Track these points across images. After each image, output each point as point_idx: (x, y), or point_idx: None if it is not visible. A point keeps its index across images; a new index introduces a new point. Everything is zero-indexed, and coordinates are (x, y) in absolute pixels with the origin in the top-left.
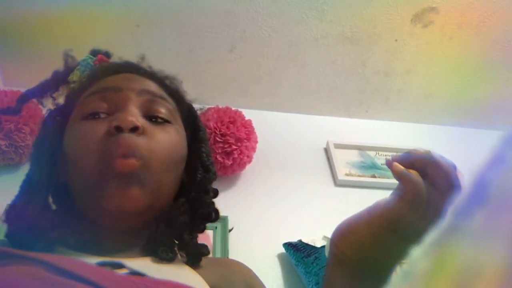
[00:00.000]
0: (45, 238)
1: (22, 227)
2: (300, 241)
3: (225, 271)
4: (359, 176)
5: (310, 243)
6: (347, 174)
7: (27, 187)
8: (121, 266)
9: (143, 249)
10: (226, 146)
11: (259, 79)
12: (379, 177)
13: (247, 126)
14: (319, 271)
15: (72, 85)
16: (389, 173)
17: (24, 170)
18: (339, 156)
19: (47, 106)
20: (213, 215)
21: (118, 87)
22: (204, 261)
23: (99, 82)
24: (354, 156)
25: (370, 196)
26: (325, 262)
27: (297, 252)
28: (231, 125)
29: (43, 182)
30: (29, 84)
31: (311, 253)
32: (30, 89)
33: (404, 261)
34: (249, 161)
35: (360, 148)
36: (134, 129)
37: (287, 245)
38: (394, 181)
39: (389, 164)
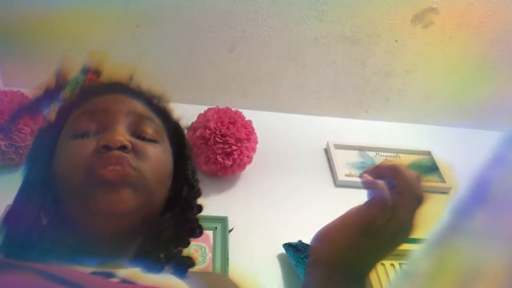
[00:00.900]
0: (37, 251)
1: (15, 240)
2: (300, 241)
3: (211, 282)
4: (359, 176)
5: (310, 243)
6: (347, 175)
7: (19, 201)
8: (112, 275)
9: (132, 261)
10: (226, 146)
11: (259, 79)
12: None
13: (247, 127)
14: None
15: (62, 103)
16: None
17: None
18: (339, 157)
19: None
20: (196, 231)
21: (106, 109)
22: (191, 273)
23: (88, 102)
24: (354, 156)
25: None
26: None
27: (297, 253)
28: (231, 125)
29: (34, 197)
30: (29, 84)
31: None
32: (22, 107)
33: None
34: (249, 162)
35: (360, 148)
36: (123, 148)
37: (287, 246)
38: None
39: (361, 176)
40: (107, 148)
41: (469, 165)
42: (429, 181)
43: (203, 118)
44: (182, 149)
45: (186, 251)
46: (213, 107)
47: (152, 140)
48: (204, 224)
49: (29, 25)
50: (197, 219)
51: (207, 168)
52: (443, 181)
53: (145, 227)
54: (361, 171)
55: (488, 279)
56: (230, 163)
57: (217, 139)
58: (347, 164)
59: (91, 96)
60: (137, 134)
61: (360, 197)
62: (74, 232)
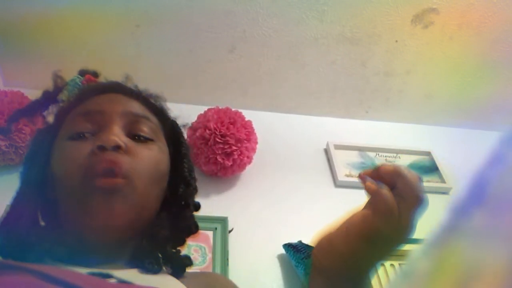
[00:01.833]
0: (35, 252)
1: (12, 242)
2: (300, 242)
3: (209, 281)
4: (357, 177)
5: (310, 244)
6: (347, 175)
7: (17, 203)
8: (109, 276)
9: (129, 262)
10: (226, 147)
11: (259, 80)
12: None
13: (247, 127)
14: None
15: (61, 104)
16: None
17: None
18: (339, 157)
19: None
20: (192, 229)
21: (102, 110)
22: (188, 273)
23: (85, 103)
24: (354, 157)
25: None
26: None
27: (297, 253)
28: (231, 126)
29: (32, 199)
30: (29, 84)
31: (311, 254)
32: (21, 109)
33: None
34: (249, 162)
35: (360, 149)
36: (117, 148)
37: (287, 246)
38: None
39: (361, 178)
40: (102, 148)
41: (469, 165)
42: (429, 181)
43: (203, 119)
44: (179, 148)
45: (185, 252)
46: (213, 107)
47: (148, 139)
48: (204, 224)
49: (29, 25)
50: (193, 217)
51: (207, 168)
52: (443, 181)
53: (144, 226)
54: (361, 172)
55: (487, 279)
56: (230, 163)
57: (217, 140)
58: (347, 165)
59: (88, 96)
60: (133, 133)
61: (360, 197)
62: (71, 233)
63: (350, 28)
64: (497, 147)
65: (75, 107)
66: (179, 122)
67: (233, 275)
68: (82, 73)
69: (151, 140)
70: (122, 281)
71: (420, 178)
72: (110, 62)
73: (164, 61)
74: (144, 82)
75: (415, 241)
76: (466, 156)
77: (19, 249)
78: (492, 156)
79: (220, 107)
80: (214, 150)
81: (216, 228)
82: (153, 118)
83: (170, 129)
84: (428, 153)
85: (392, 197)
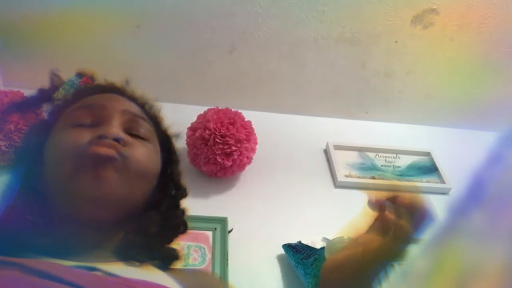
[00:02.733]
0: (25, 246)
1: (3, 237)
2: (299, 242)
3: (200, 279)
4: (358, 177)
5: (309, 244)
6: (347, 176)
7: (9, 198)
8: (94, 269)
9: (115, 255)
10: (225, 147)
11: (259, 80)
12: (378, 179)
13: (247, 127)
14: (319, 272)
15: (56, 102)
16: (389, 174)
17: None
18: (339, 158)
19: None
20: (181, 228)
21: (103, 104)
22: (178, 271)
23: (85, 99)
24: (354, 157)
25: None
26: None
27: (297, 253)
28: (231, 126)
29: (22, 194)
30: (29, 84)
31: (310, 254)
32: (14, 103)
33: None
34: (249, 162)
35: (360, 149)
36: (117, 140)
37: (287, 246)
38: (393, 183)
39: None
40: (103, 138)
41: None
42: (429, 182)
43: (203, 119)
44: (170, 155)
45: (185, 252)
46: (213, 107)
47: (143, 139)
48: (203, 224)
49: (29, 25)
50: (182, 216)
51: (206, 168)
52: (443, 181)
53: (130, 221)
54: (361, 172)
55: (486, 279)
56: (229, 163)
57: (217, 140)
58: (346, 165)
59: (88, 94)
60: (130, 132)
61: (359, 197)
62: (60, 225)
63: (350, 29)
64: (496, 147)
65: (74, 103)
66: (172, 131)
67: (233, 275)
68: (80, 74)
69: (147, 140)
70: (108, 274)
71: (432, 215)
72: (110, 63)
73: (164, 62)
74: (144, 83)
75: (413, 241)
76: (466, 156)
77: (9, 244)
78: (490, 156)
79: (220, 108)
80: (214, 151)
81: (215, 228)
82: (149, 122)
83: (163, 136)
84: (428, 154)
85: (407, 224)
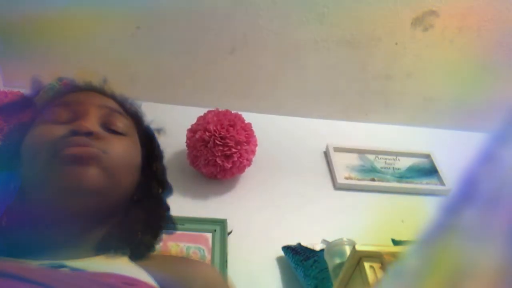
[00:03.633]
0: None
1: None
2: (299, 244)
3: (186, 271)
4: (358, 179)
5: (309, 246)
6: (346, 178)
7: None
8: (62, 266)
9: (94, 250)
10: (225, 149)
11: (259, 82)
12: (378, 181)
13: (247, 129)
14: (318, 274)
15: (36, 104)
16: (389, 176)
17: None
18: (338, 160)
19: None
20: (165, 224)
21: (80, 100)
22: (159, 256)
23: (62, 97)
24: (353, 159)
25: (370, 199)
26: (324, 266)
27: (296, 255)
28: (231, 128)
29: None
30: (29, 84)
31: (310, 256)
32: None
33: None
34: (249, 164)
35: (359, 151)
36: (89, 134)
37: (286, 248)
38: (393, 185)
39: None
40: (75, 133)
41: None
42: (429, 184)
43: (203, 121)
44: (151, 151)
45: (185, 254)
46: (213, 109)
47: (120, 133)
48: (203, 226)
49: (29, 25)
50: (165, 213)
51: (206, 170)
52: (443, 183)
53: (111, 215)
54: (360, 174)
55: (479, 278)
56: (229, 165)
57: (217, 142)
58: (346, 167)
59: (65, 93)
60: (107, 126)
61: (359, 199)
62: (31, 223)
63: (350, 31)
64: (488, 145)
65: (52, 102)
66: (154, 125)
67: (232, 277)
68: (60, 78)
69: (123, 134)
70: (75, 270)
71: None
72: (110, 63)
73: (164, 63)
74: (144, 84)
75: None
76: (466, 158)
77: None
78: (483, 154)
79: (220, 109)
80: (214, 152)
81: (215, 230)
82: (128, 117)
83: (144, 131)
84: (428, 156)
85: None
